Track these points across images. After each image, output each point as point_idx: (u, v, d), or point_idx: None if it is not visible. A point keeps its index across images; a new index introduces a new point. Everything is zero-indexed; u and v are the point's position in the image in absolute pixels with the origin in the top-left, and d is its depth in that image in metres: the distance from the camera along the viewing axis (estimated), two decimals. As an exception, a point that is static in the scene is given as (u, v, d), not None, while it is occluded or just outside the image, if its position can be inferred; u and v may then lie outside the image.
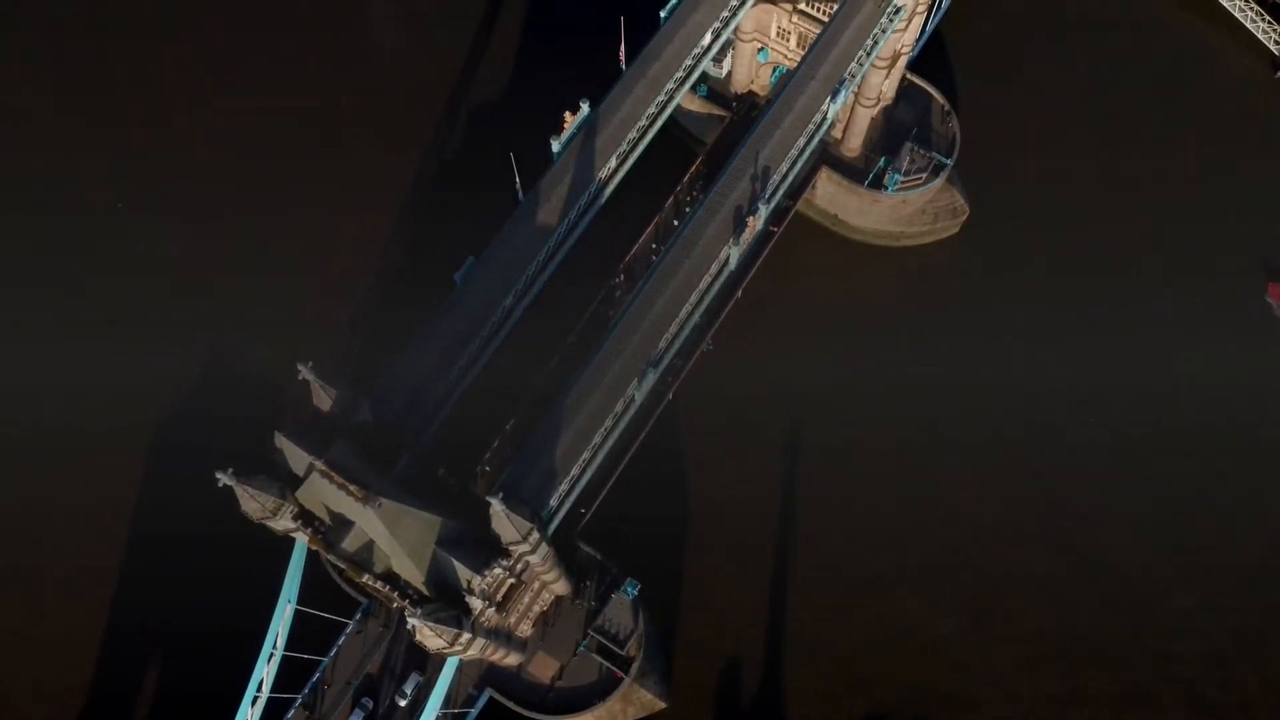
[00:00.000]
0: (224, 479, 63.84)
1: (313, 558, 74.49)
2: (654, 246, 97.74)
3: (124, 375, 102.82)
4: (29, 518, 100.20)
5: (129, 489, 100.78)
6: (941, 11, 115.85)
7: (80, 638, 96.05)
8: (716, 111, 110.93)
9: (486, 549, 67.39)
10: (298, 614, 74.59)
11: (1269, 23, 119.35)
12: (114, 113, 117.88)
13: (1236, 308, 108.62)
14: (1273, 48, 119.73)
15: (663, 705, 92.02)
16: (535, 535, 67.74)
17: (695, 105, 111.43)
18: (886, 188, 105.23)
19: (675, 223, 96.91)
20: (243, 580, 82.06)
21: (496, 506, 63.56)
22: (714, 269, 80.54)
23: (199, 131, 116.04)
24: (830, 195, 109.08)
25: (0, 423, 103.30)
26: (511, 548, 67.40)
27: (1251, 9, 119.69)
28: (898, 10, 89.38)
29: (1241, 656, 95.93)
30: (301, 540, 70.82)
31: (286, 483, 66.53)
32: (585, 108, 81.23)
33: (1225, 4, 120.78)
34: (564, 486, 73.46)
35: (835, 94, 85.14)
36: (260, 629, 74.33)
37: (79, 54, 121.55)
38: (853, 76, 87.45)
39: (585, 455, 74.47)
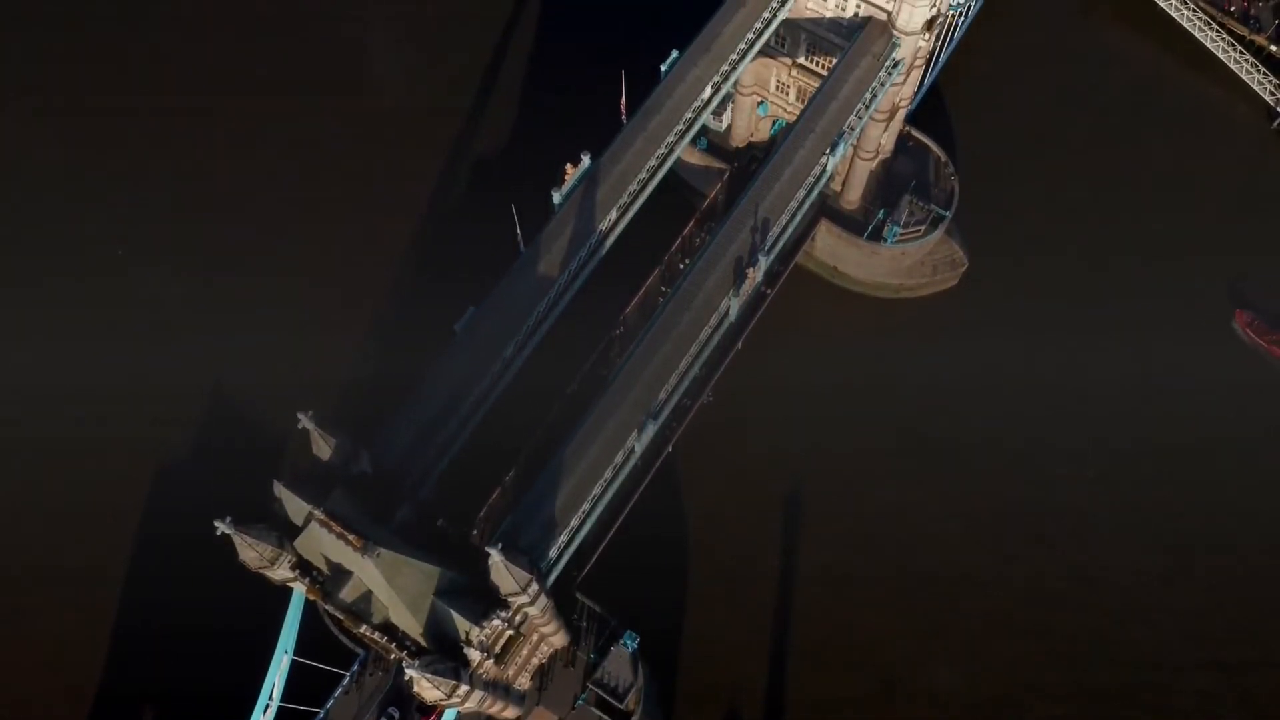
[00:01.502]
0: (222, 527, 63.66)
1: (309, 608, 74.12)
2: (662, 289, 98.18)
3: (125, 376, 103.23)
4: (27, 519, 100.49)
5: (129, 490, 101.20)
6: (940, 65, 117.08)
7: (80, 640, 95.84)
8: (716, 164, 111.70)
9: (485, 600, 66.99)
10: (294, 664, 74.08)
11: (1264, 74, 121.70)
12: (111, 113, 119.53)
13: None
14: (1268, 98, 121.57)
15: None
16: (534, 587, 67.33)
17: (695, 158, 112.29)
18: (885, 240, 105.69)
19: (681, 267, 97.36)
20: (243, 582, 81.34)
21: (495, 557, 63.24)
22: (714, 320, 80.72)
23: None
24: (830, 247, 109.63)
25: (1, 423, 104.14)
26: (510, 599, 66.98)
27: (1247, 60, 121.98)
28: (896, 64, 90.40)
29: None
30: (299, 590, 70.49)
31: (285, 532, 66.29)
32: (586, 160, 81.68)
33: (1221, 56, 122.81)
34: (563, 538, 73.00)
35: (834, 147, 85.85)
36: (262, 632, 74.16)
37: (78, 54, 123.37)
38: (851, 130, 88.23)
39: (585, 506, 74.14)
